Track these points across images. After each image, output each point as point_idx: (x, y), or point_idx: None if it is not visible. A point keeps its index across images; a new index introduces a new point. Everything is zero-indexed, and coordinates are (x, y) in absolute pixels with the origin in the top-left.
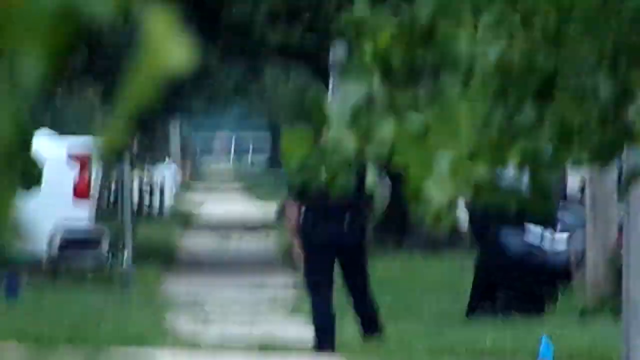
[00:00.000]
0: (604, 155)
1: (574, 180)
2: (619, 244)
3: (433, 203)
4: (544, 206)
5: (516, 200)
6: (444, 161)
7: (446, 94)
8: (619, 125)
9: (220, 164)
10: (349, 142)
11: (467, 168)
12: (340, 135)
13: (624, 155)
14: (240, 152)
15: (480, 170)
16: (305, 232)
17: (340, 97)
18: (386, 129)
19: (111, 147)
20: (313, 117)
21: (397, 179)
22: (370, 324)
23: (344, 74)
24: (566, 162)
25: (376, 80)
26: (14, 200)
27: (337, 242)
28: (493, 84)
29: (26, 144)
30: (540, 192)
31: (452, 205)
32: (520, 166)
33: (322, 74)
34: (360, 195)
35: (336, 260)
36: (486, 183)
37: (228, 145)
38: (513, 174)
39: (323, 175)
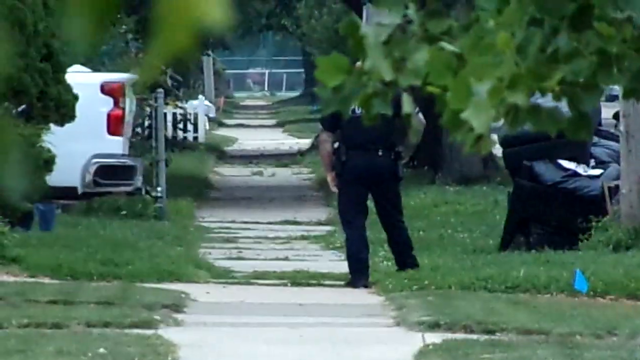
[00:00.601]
0: None
1: (607, 117)
2: None
3: (474, 129)
4: (584, 134)
5: (556, 127)
6: (482, 88)
7: (481, 21)
8: None
9: (253, 100)
10: (384, 70)
11: (506, 95)
12: (375, 63)
13: None
14: (274, 88)
15: (520, 97)
16: (339, 165)
17: (375, 26)
18: (420, 58)
19: (145, 84)
20: (348, 44)
21: (431, 112)
22: (404, 258)
23: (378, 2)
24: (605, 89)
25: (411, 8)
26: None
27: (371, 175)
28: (529, 10)
29: (59, 78)
30: (579, 119)
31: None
32: (560, 93)
33: (355, 5)
34: (393, 129)
35: (370, 194)
36: (526, 109)
37: (262, 81)
38: (552, 101)
39: (358, 103)
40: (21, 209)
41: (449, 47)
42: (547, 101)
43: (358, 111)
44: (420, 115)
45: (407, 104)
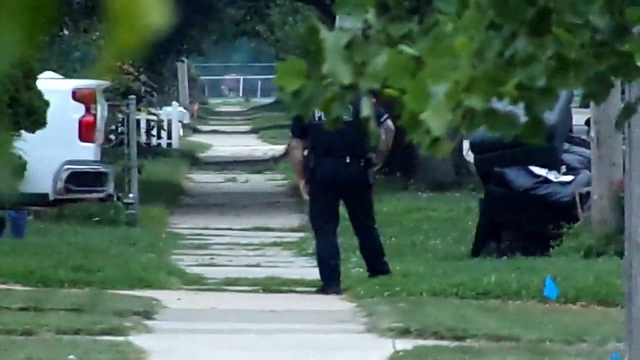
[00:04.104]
0: (598, 88)
1: (578, 123)
2: (623, 184)
3: (431, 132)
4: (538, 139)
5: (511, 132)
6: (439, 90)
7: (440, 24)
8: (613, 59)
9: (228, 107)
10: (342, 74)
11: (463, 98)
12: (334, 67)
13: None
14: (248, 94)
15: (476, 101)
16: (309, 172)
17: (335, 30)
18: (380, 61)
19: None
20: (307, 48)
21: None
22: (376, 265)
23: (339, 7)
24: (559, 92)
25: (370, 12)
26: (12, 141)
27: (339, 182)
28: (488, 15)
29: (30, 84)
30: (534, 124)
31: (448, 135)
32: (516, 97)
33: (328, 12)
34: (361, 135)
35: (342, 200)
36: (482, 112)
37: (237, 87)
38: (508, 106)
39: (318, 107)
40: None
41: (408, 50)
42: (504, 106)
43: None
44: (389, 122)
45: (366, 108)
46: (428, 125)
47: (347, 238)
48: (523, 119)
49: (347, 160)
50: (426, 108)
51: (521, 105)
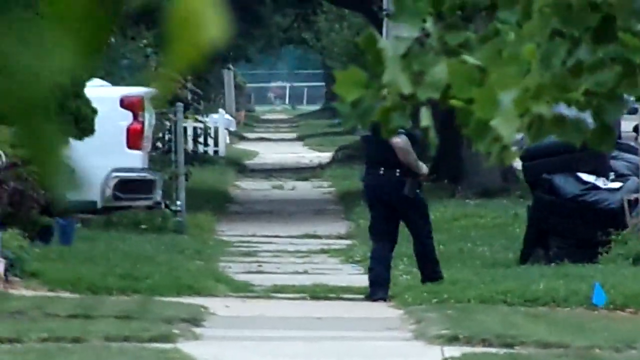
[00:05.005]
0: None
1: (627, 129)
2: None
3: (500, 139)
4: (607, 145)
5: (580, 138)
6: (507, 98)
7: (501, 33)
8: None
9: (274, 114)
10: (402, 83)
11: (531, 105)
12: (393, 76)
13: None
14: (294, 101)
15: (544, 108)
16: (364, 184)
17: (393, 39)
18: (439, 71)
19: (163, 98)
20: (366, 58)
21: (450, 127)
22: (429, 272)
23: (396, 16)
24: (629, 99)
25: (428, 21)
26: (65, 148)
27: (375, 194)
28: (551, 23)
29: (78, 92)
30: (603, 130)
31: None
32: (584, 104)
33: (375, 19)
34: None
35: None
36: (550, 119)
37: (283, 94)
38: (576, 112)
39: (376, 116)
40: (41, 223)
41: (471, 59)
42: (571, 112)
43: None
44: (394, 139)
45: (425, 118)
46: (497, 132)
47: (400, 246)
48: (591, 125)
49: (380, 172)
50: (494, 116)
51: (589, 111)
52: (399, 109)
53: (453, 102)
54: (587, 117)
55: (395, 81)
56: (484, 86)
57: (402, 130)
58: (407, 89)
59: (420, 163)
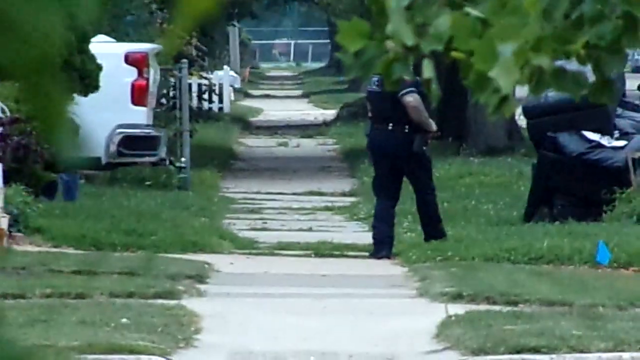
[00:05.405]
0: None
1: (632, 88)
2: None
3: (499, 90)
4: (607, 99)
5: (579, 92)
6: (507, 49)
7: None
8: None
9: (278, 71)
10: (405, 35)
11: (531, 57)
12: (397, 28)
13: None
14: (299, 58)
15: (544, 60)
16: (370, 139)
17: None
18: (443, 23)
19: (169, 54)
20: (370, 9)
21: (455, 84)
22: (431, 231)
23: None
24: (629, 51)
25: None
26: (69, 104)
27: (383, 149)
28: None
29: (83, 48)
30: (603, 84)
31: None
32: (584, 57)
33: None
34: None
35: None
36: (550, 72)
37: (288, 51)
38: (577, 66)
39: (379, 68)
40: (45, 179)
41: (473, 12)
42: (572, 65)
43: (371, 85)
44: (406, 97)
45: (428, 70)
46: (496, 83)
47: (399, 203)
48: (591, 78)
49: (389, 128)
50: (494, 66)
51: (589, 65)
52: (401, 60)
53: (454, 54)
54: (588, 71)
55: (399, 33)
56: (485, 36)
57: (413, 89)
58: (410, 41)
59: (431, 120)
